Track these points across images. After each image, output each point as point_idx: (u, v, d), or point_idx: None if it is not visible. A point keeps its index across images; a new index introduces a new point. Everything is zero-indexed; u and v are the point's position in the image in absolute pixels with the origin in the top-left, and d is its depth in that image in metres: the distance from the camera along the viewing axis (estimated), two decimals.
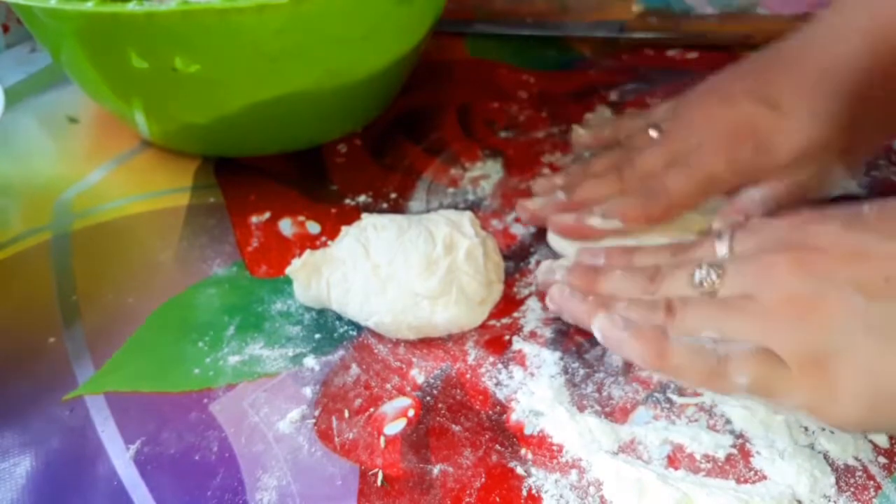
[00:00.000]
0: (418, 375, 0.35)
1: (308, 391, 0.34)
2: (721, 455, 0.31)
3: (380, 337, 0.37)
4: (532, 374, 0.35)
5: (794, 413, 0.30)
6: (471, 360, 0.36)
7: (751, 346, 0.29)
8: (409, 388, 0.34)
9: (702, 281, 0.31)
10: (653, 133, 0.41)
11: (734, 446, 0.31)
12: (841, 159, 0.37)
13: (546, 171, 0.48)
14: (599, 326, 0.32)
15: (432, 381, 0.35)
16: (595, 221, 0.39)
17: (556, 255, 0.41)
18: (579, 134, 0.48)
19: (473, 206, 0.46)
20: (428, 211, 0.45)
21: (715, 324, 0.30)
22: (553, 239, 0.42)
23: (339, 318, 0.38)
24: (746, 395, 0.30)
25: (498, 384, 0.34)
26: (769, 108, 0.37)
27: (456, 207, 0.45)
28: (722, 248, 0.33)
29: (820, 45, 0.38)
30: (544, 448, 0.31)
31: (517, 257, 0.42)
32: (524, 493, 0.30)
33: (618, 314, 0.32)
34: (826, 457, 0.30)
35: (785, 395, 0.28)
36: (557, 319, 0.37)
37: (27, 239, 0.44)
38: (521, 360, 0.35)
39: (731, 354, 0.29)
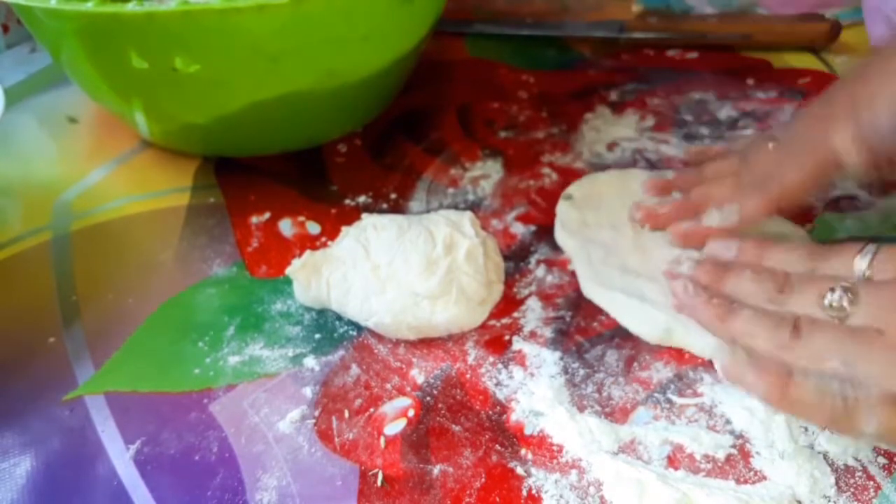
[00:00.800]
0: (418, 375, 0.35)
1: (308, 391, 0.34)
2: (721, 455, 0.31)
3: (380, 337, 0.37)
4: (532, 375, 0.35)
5: None
6: (471, 360, 0.36)
7: (879, 391, 0.27)
8: (409, 388, 0.34)
9: (832, 304, 0.30)
10: (770, 145, 0.40)
11: (734, 446, 0.31)
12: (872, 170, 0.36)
13: (546, 170, 0.48)
14: (722, 362, 0.32)
15: (432, 381, 0.35)
16: (712, 220, 0.39)
17: (559, 252, 0.42)
18: (690, 151, 0.49)
19: (473, 206, 0.46)
20: (428, 211, 0.45)
21: (841, 354, 0.28)
22: (560, 234, 0.42)
23: (339, 318, 0.38)
24: (875, 442, 0.29)
25: (498, 384, 0.34)
26: (864, 82, 0.36)
27: (456, 207, 0.45)
28: (862, 264, 0.31)
29: None
30: (544, 448, 0.31)
31: (517, 257, 0.42)
32: (524, 493, 0.30)
33: (734, 331, 0.32)
34: (826, 457, 0.30)
35: None
36: (557, 319, 0.37)
37: (27, 239, 0.44)
38: (521, 360, 0.35)
39: (860, 399, 0.27)
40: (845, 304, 0.29)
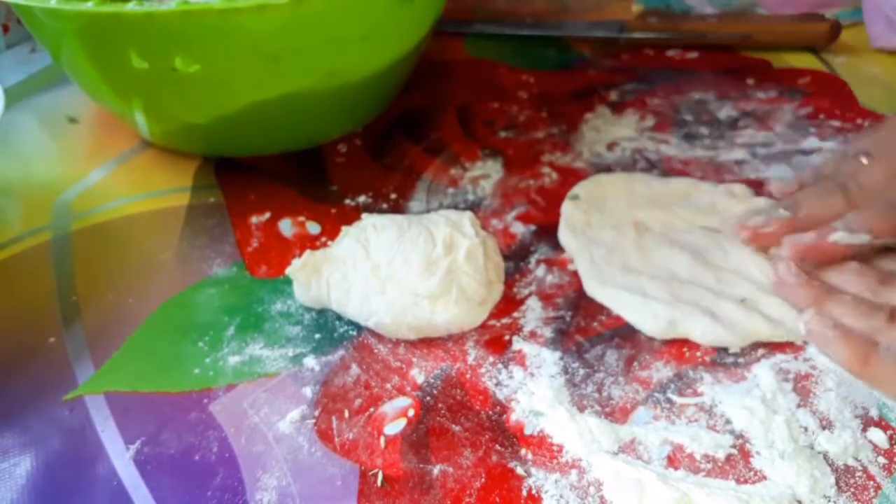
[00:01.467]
0: (418, 375, 0.35)
1: (308, 391, 0.34)
2: (721, 455, 0.31)
3: (380, 337, 0.37)
4: (532, 374, 0.35)
5: None
6: (471, 360, 0.36)
7: None
8: (409, 388, 0.34)
9: None
10: (864, 160, 0.39)
11: (734, 446, 0.31)
12: None
13: (546, 170, 0.48)
14: (808, 321, 0.32)
15: (432, 381, 0.35)
16: (839, 237, 0.36)
17: (559, 252, 0.42)
18: (777, 184, 0.44)
19: (473, 206, 0.46)
20: (428, 211, 0.45)
21: None
22: (563, 233, 0.42)
23: (339, 318, 0.38)
24: None
25: (498, 384, 0.34)
26: None
27: (456, 207, 0.45)
28: None
29: None
30: (544, 448, 0.31)
31: (517, 257, 0.42)
32: (524, 493, 0.30)
33: (827, 311, 0.32)
34: (826, 457, 0.30)
35: None
36: (557, 319, 0.38)
37: (27, 239, 0.44)
38: (521, 360, 0.35)
39: None
40: None
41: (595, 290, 0.39)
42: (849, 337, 0.31)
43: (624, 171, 0.47)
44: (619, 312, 0.37)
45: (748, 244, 0.40)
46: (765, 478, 0.30)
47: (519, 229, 0.44)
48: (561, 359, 0.35)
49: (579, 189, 0.45)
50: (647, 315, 0.36)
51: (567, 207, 0.44)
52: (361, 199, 0.46)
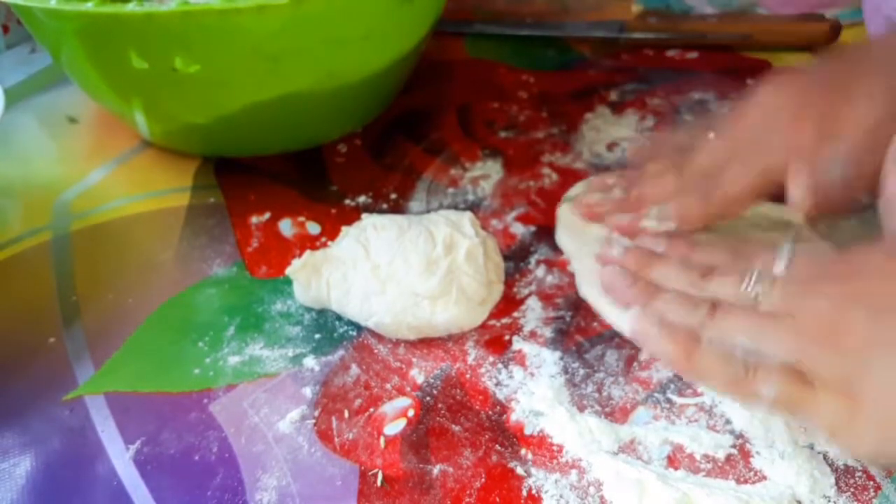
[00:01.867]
0: (418, 375, 0.35)
1: (308, 391, 0.34)
2: (721, 455, 0.31)
3: (380, 337, 0.37)
4: (532, 374, 0.35)
5: (814, 434, 0.30)
6: (471, 360, 0.36)
7: (779, 361, 0.29)
8: (409, 388, 0.34)
9: (749, 290, 0.31)
10: (711, 135, 0.40)
11: (734, 446, 0.31)
12: None
13: (546, 170, 0.48)
14: (632, 319, 0.33)
15: (432, 381, 0.35)
16: (650, 224, 0.38)
17: (559, 253, 0.41)
18: (631, 148, 0.48)
19: (473, 206, 0.46)
20: (428, 211, 0.45)
21: (751, 332, 0.30)
22: (560, 236, 0.42)
23: (339, 318, 0.38)
24: (768, 409, 0.30)
25: (498, 384, 0.34)
26: (834, 93, 0.36)
27: (456, 207, 0.45)
28: (780, 266, 0.32)
29: (889, 43, 0.38)
30: (544, 448, 0.31)
31: (517, 257, 0.42)
32: (524, 493, 0.30)
33: (653, 310, 0.32)
34: (826, 457, 0.30)
35: (808, 413, 0.28)
36: (557, 319, 0.38)
37: (27, 239, 0.44)
38: (521, 360, 0.35)
39: (760, 366, 0.29)
40: (760, 290, 0.31)
41: (588, 293, 0.38)
42: (672, 333, 0.31)
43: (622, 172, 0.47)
44: (604, 317, 0.37)
45: (584, 219, 0.42)
46: (765, 478, 0.30)
47: (519, 230, 0.44)
48: (561, 359, 0.35)
49: (574, 191, 0.45)
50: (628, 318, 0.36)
51: (563, 210, 0.44)
52: (361, 199, 0.46)
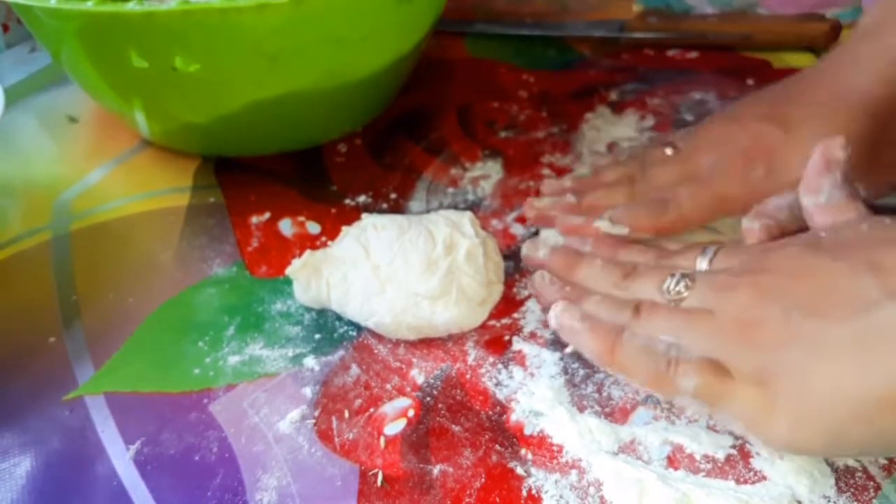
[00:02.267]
0: (418, 376, 0.35)
1: (308, 391, 0.34)
2: (721, 455, 0.31)
3: (380, 337, 0.37)
4: (532, 375, 0.35)
5: (730, 426, 0.31)
6: (471, 360, 0.36)
7: (699, 354, 0.30)
8: (409, 389, 0.34)
9: (670, 289, 0.32)
10: (668, 150, 0.41)
11: (734, 447, 0.31)
12: (863, 182, 0.36)
13: (546, 171, 0.48)
14: (557, 315, 0.34)
15: (432, 381, 0.35)
16: (603, 225, 0.39)
17: None
18: (599, 160, 0.48)
19: (473, 206, 0.46)
20: (428, 211, 0.45)
21: (673, 330, 0.31)
22: (557, 239, 0.42)
23: (339, 318, 0.38)
24: (689, 401, 0.30)
25: (498, 384, 0.34)
26: (782, 130, 0.37)
27: (456, 207, 0.45)
28: (702, 263, 0.34)
29: (834, 73, 0.39)
30: (544, 448, 0.31)
31: (517, 257, 0.42)
32: (524, 493, 0.30)
33: (578, 308, 0.33)
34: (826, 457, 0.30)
35: (726, 405, 0.29)
36: None
37: (27, 239, 0.44)
38: (521, 360, 0.35)
39: (681, 359, 0.30)
40: (682, 288, 0.32)
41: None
42: (595, 327, 0.32)
43: None
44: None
45: (533, 223, 0.43)
46: (765, 478, 0.30)
47: (519, 230, 0.44)
48: (561, 359, 0.35)
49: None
50: None
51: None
52: (361, 199, 0.46)
